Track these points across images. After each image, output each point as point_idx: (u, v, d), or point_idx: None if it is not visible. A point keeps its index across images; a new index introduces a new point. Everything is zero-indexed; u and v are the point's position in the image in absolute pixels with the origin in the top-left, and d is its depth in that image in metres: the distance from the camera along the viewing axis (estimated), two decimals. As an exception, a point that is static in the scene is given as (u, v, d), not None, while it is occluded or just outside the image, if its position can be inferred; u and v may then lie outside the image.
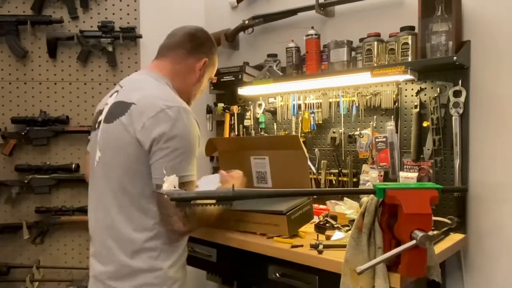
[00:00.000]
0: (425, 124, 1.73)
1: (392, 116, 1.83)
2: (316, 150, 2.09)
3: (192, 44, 1.37)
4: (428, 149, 1.72)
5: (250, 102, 2.38)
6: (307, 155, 1.72)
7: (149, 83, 1.29)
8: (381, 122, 1.89)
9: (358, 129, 1.94)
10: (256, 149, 1.82)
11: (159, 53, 1.40)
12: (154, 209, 1.20)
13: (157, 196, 1.17)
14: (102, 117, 1.29)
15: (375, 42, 1.79)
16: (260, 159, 1.82)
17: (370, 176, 1.87)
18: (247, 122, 2.38)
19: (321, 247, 1.37)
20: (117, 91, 1.32)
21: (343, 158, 2.01)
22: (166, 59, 1.37)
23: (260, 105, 2.30)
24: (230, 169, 1.91)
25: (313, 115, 2.08)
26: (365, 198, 1.29)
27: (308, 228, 1.61)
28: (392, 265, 1.18)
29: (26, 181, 2.28)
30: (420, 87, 1.76)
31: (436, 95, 1.70)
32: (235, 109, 2.40)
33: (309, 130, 2.10)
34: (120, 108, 1.23)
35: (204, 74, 1.43)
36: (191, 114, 1.23)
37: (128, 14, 2.40)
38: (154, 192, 1.18)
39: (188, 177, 1.18)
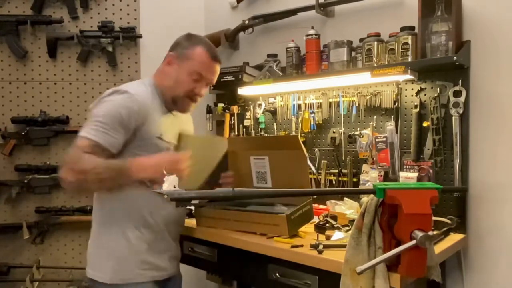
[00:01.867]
0: (425, 124, 1.73)
1: (392, 116, 1.83)
2: (316, 150, 2.09)
3: (171, 45, 1.55)
4: (428, 149, 1.72)
5: (250, 102, 2.38)
6: (306, 155, 1.72)
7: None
8: (381, 122, 1.89)
9: (358, 129, 1.94)
10: (256, 149, 1.82)
11: None
12: None
13: None
14: None
15: (375, 42, 1.79)
16: (259, 159, 1.82)
17: (370, 176, 1.87)
18: (247, 122, 2.38)
19: (321, 247, 1.37)
20: None
21: (343, 158, 2.01)
22: None
23: (260, 105, 2.30)
24: (231, 169, 1.91)
25: (313, 115, 2.08)
26: (365, 198, 1.29)
27: (308, 228, 1.61)
28: (392, 265, 1.18)
29: (26, 181, 2.28)
30: (420, 87, 1.76)
31: (436, 95, 1.70)
32: (235, 109, 2.40)
33: (309, 130, 2.10)
34: None
35: (180, 67, 1.49)
36: (124, 94, 1.38)
37: (128, 14, 2.41)
38: None
39: (80, 137, 1.32)
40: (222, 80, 2.35)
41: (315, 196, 1.91)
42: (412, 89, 1.79)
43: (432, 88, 1.73)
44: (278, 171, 1.78)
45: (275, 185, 1.80)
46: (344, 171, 1.99)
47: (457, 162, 1.65)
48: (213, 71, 1.55)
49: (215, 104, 2.52)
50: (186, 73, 1.48)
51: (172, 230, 1.55)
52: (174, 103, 1.51)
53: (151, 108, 1.44)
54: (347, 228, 1.58)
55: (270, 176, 1.81)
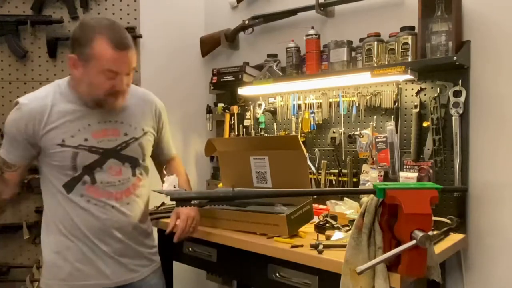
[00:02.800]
0: (425, 124, 1.73)
1: (392, 116, 1.84)
2: (316, 150, 2.09)
3: (69, 44, 1.38)
4: (428, 149, 1.72)
5: (250, 102, 2.38)
6: (306, 155, 1.72)
7: None
8: (381, 122, 1.89)
9: (358, 129, 1.94)
10: (256, 149, 1.82)
11: None
12: None
13: None
14: None
15: (375, 42, 1.79)
16: (259, 159, 1.82)
17: (370, 176, 1.87)
18: (247, 122, 2.38)
19: (321, 247, 1.37)
20: None
21: (343, 158, 2.01)
22: None
23: (260, 105, 2.30)
24: (231, 169, 1.91)
25: (313, 115, 2.08)
26: (365, 198, 1.29)
27: (308, 228, 1.61)
28: (392, 265, 1.18)
29: (26, 181, 2.28)
30: (420, 87, 1.76)
31: (436, 95, 1.70)
32: (235, 109, 2.40)
33: (309, 130, 2.10)
34: None
35: (85, 69, 1.31)
36: (16, 109, 1.39)
37: (128, 14, 2.40)
38: None
39: None
40: (222, 80, 2.35)
41: (315, 196, 1.91)
42: (412, 89, 1.79)
43: (432, 88, 1.73)
44: (278, 171, 1.78)
45: (275, 185, 1.80)
46: (344, 171, 1.99)
47: (457, 162, 1.65)
48: (124, 61, 1.32)
49: (215, 104, 2.52)
50: (96, 75, 1.31)
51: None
52: (98, 105, 1.38)
53: (54, 114, 1.36)
54: (347, 228, 1.58)
55: (270, 176, 1.81)
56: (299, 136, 2.07)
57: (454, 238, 1.59)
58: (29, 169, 2.32)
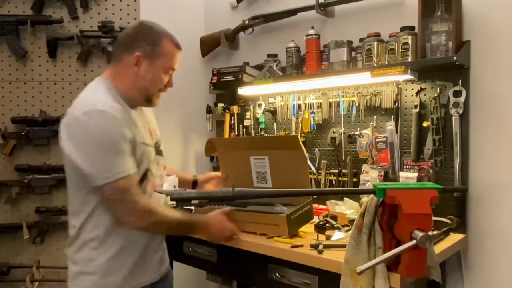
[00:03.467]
0: (425, 124, 1.73)
1: (392, 116, 1.83)
2: (316, 150, 2.09)
3: (124, 42, 1.40)
4: (428, 149, 1.72)
5: (250, 102, 2.38)
6: (306, 155, 1.72)
7: (85, 91, 1.38)
8: (381, 122, 1.89)
9: (358, 129, 1.94)
10: (256, 149, 1.82)
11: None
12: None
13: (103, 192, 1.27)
14: None
15: (375, 42, 1.79)
16: (259, 159, 1.81)
17: (370, 176, 1.87)
18: (247, 122, 2.38)
19: (321, 247, 1.37)
20: None
21: (343, 158, 2.01)
22: (111, 63, 1.46)
23: (260, 105, 2.30)
24: (231, 169, 1.91)
25: (313, 115, 2.08)
26: (365, 198, 1.29)
27: (308, 228, 1.61)
28: (392, 265, 1.18)
29: (26, 181, 2.28)
30: (420, 87, 1.76)
31: (436, 95, 1.70)
32: (235, 109, 2.40)
33: (309, 130, 2.10)
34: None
35: (151, 67, 1.38)
36: (107, 113, 1.26)
37: (128, 14, 2.40)
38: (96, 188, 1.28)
39: (122, 173, 1.26)
40: (222, 80, 2.35)
41: (315, 196, 1.91)
42: (412, 89, 1.79)
43: (432, 88, 1.73)
44: (278, 171, 1.78)
45: (275, 185, 1.80)
46: (344, 171, 1.99)
47: (457, 162, 1.65)
48: (178, 60, 1.47)
49: (215, 104, 2.52)
50: (161, 71, 1.40)
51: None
52: (148, 101, 1.43)
53: (128, 117, 1.36)
54: (347, 228, 1.58)
55: (270, 176, 1.80)
56: (299, 136, 2.07)
57: (454, 238, 1.59)
58: (29, 169, 2.34)
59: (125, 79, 1.39)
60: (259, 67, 2.29)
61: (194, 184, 1.88)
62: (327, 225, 1.59)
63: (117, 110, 1.30)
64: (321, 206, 1.93)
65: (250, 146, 1.86)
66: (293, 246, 1.44)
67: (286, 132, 2.22)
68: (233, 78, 2.28)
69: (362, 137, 1.89)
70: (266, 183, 1.83)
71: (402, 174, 1.76)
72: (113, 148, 1.26)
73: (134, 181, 1.31)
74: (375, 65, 1.77)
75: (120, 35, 1.46)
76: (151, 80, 1.39)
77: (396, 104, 1.83)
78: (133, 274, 1.38)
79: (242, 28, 2.38)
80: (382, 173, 1.84)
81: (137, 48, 1.37)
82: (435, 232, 1.54)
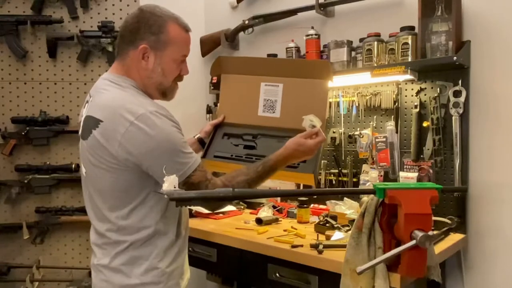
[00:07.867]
0: (425, 124, 1.73)
1: (392, 116, 1.84)
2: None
3: (128, 35, 1.26)
4: (428, 149, 1.72)
5: (250, 102, 2.37)
6: (328, 88, 1.56)
7: (110, 91, 1.23)
8: (381, 122, 1.89)
9: (358, 129, 1.94)
10: (270, 75, 1.63)
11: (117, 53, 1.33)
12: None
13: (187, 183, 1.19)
14: (80, 132, 1.27)
15: (375, 42, 1.79)
16: (272, 86, 1.62)
17: (370, 176, 1.87)
18: (247, 122, 2.38)
19: (321, 247, 1.37)
20: (87, 102, 1.28)
21: (343, 158, 2.01)
22: (118, 57, 1.30)
23: (260, 105, 2.29)
24: (233, 93, 1.73)
25: (313, 115, 2.08)
26: (365, 198, 1.29)
27: (308, 228, 1.61)
28: (392, 265, 1.18)
29: (26, 181, 2.28)
30: (420, 87, 1.76)
31: (436, 95, 1.70)
32: (235, 109, 2.40)
33: (309, 130, 2.09)
34: (91, 124, 1.19)
35: (159, 58, 1.25)
36: (158, 113, 1.17)
37: (128, 14, 2.40)
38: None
39: (189, 170, 1.18)
40: (222, 80, 2.35)
41: (315, 196, 1.91)
42: (412, 89, 1.79)
43: (432, 88, 1.73)
44: (291, 101, 1.60)
45: (284, 116, 1.63)
46: (344, 171, 1.99)
47: (457, 162, 1.65)
48: (190, 43, 1.35)
49: (215, 104, 2.52)
50: (171, 61, 1.27)
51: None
52: (163, 95, 1.31)
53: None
54: (347, 228, 1.58)
55: (280, 105, 1.62)
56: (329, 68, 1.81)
57: (454, 238, 1.59)
58: (29, 169, 2.34)
59: (137, 75, 1.26)
60: (259, 67, 2.29)
61: (200, 141, 1.78)
62: (327, 225, 1.59)
63: (159, 107, 1.20)
64: (321, 206, 1.93)
65: (263, 70, 1.66)
66: (293, 246, 1.44)
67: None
68: (233, 78, 2.28)
69: (362, 137, 1.89)
70: (273, 112, 1.64)
71: (402, 174, 1.76)
72: (180, 144, 1.19)
73: (204, 167, 1.23)
74: (375, 65, 1.77)
75: (121, 28, 1.30)
76: (163, 72, 1.27)
77: (396, 104, 1.83)
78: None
79: (242, 28, 2.38)
80: (382, 173, 1.84)
81: (141, 40, 1.23)
82: (435, 232, 1.53)
